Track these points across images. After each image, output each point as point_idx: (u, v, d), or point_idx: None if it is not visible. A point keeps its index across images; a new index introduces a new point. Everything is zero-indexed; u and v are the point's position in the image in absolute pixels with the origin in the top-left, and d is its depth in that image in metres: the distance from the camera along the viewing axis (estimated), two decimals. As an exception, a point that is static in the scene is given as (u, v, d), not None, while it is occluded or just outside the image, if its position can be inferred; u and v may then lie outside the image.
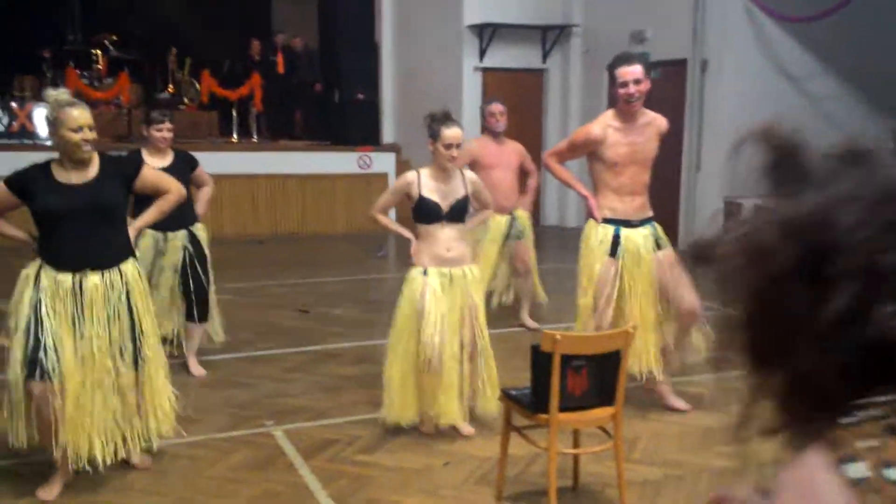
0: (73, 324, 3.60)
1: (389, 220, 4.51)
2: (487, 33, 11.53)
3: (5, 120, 9.81)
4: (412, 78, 12.38)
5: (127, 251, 3.80)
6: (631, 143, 4.53)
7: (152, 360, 3.79)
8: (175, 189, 3.95)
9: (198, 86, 12.20)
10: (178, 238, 5.23)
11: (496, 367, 4.41)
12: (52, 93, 3.74)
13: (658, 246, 4.68)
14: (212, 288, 5.41)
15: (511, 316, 6.48)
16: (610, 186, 4.59)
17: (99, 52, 12.92)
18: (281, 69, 13.19)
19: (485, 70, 11.73)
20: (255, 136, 11.95)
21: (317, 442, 4.29)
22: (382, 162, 11.61)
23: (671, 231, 10.24)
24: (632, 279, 4.56)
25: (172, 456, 4.09)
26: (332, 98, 12.18)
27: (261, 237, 10.62)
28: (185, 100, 13.26)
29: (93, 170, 3.71)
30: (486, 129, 6.35)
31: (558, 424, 3.39)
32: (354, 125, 11.49)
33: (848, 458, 0.75)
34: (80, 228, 3.63)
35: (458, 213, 4.27)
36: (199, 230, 5.34)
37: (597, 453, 3.77)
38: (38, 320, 3.55)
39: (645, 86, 4.43)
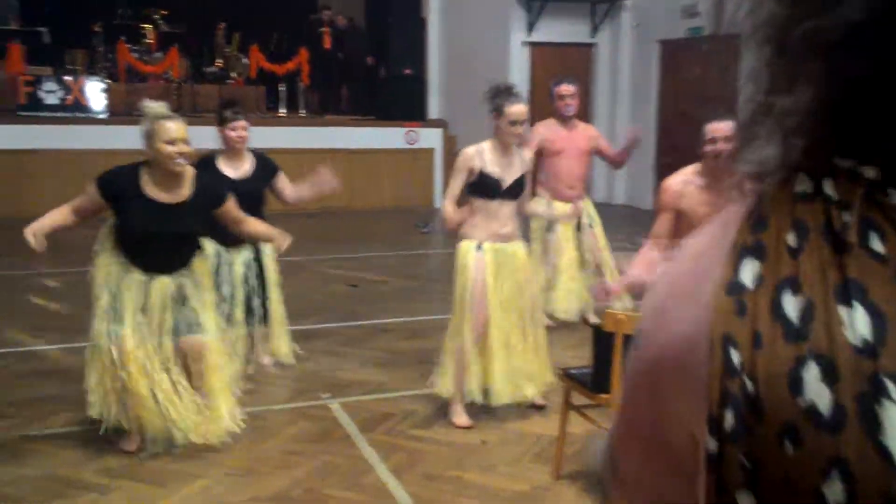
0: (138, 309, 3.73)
1: (461, 213, 4.22)
2: (536, 7, 11.43)
3: (60, 93, 9.94)
4: (459, 53, 12.31)
5: (196, 253, 3.90)
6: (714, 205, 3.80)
7: (213, 338, 3.87)
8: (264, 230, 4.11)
9: (245, 60, 12.25)
10: (242, 255, 4.77)
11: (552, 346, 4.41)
12: (150, 105, 3.74)
13: None
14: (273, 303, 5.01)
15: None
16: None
17: (150, 26, 13.03)
18: (327, 45, 13.21)
19: (533, 44, 11.63)
20: (303, 111, 11.98)
21: (373, 415, 4.33)
22: (429, 137, 11.60)
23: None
24: None
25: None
26: (378, 74, 12.17)
27: (309, 211, 10.68)
28: (233, 74, 13.35)
29: (184, 191, 3.74)
30: (555, 112, 5.78)
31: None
32: (401, 101, 11.47)
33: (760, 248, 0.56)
34: (156, 246, 3.74)
35: (516, 190, 4.21)
36: (266, 247, 4.87)
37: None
38: (116, 296, 3.69)
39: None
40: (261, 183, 4.78)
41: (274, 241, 4.29)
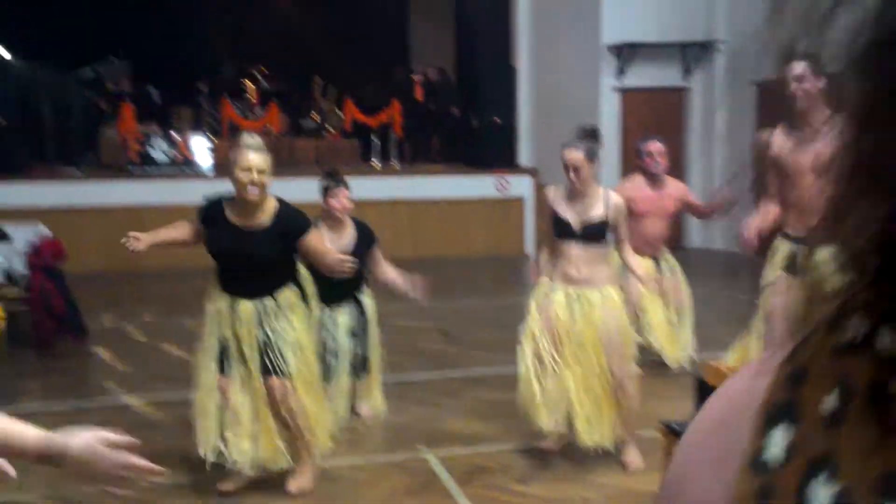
0: (230, 337, 3.91)
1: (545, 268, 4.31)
2: (626, 53, 11.42)
3: (169, 150, 10.43)
4: (549, 100, 12.37)
5: (285, 284, 4.00)
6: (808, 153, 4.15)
7: (299, 375, 3.96)
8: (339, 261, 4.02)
9: (340, 114, 12.61)
10: (345, 309, 4.96)
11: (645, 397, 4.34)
12: (244, 134, 4.00)
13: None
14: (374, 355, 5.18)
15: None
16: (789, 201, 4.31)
17: (251, 83, 13.59)
18: (419, 96, 13.48)
19: (623, 90, 11.61)
20: (396, 162, 12.22)
21: (471, 468, 4.32)
22: (519, 186, 11.66)
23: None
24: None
25: (335, 477, 4.22)
26: (469, 123, 12.34)
27: (402, 260, 10.84)
28: (329, 127, 13.76)
29: (264, 218, 3.88)
30: (642, 170, 5.65)
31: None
32: (490, 149, 11.59)
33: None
34: (236, 269, 3.91)
35: (591, 234, 4.16)
36: (367, 297, 5.10)
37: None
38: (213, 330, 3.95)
39: (814, 85, 4.02)
40: (362, 252, 4.83)
41: (403, 285, 4.36)
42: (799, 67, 4.08)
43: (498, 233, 11.11)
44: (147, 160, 10.27)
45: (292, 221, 3.94)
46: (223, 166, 11.10)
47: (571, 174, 4.13)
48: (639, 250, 5.60)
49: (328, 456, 4.25)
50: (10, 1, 11.29)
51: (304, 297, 4.10)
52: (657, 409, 4.45)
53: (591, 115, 11.59)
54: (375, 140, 12.15)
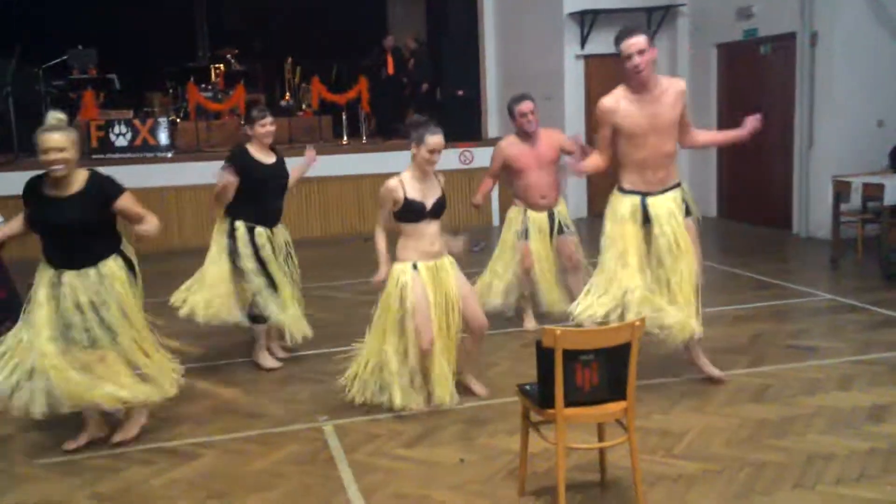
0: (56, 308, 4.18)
1: (383, 243, 4.78)
2: (588, 19, 11.35)
3: (129, 135, 10.51)
4: (515, 71, 12.35)
5: (107, 253, 4.24)
6: (649, 115, 4.55)
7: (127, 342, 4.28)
8: (153, 223, 4.31)
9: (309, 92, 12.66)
10: (281, 234, 5.63)
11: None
12: (47, 118, 4.19)
13: (687, 211, 4.77)
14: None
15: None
16: (632, 160, 4.66)
17: (221, 66, 13.64)
18: (390, 70, 13.47)
19: (587, 57, 11.55)
20: (365, 138, 12.26)
21: (361, 436, 4.42)
22: (485, 157, 11.64)
23: (785, 207, 9.83)
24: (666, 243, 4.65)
25: (224, 451, 4.33)
26: (435, 97, 12.35)
27: (365, 234, 10.92)
28: (303, 106, 13.81)
29: (75, 187, 4.14)
30: (518, 130, 6.06)
31: (565, 419, 3.36)
32: (456, 122, 11.58)
33: None
34: (55, 238, 4.19)
35: (438, 210, 4.69)
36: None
37: (611, 447, 3.70)
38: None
39: (650, 55, 4.45)
40: (286, 171, 5.63)
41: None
42: (640, 40, 4.47)
43: (462, 204, 11.12)
44: (108, 146, 10.36)
45: (104, 187, 4.21)
46: (184, 148, 11.27)
47: (435, 156, 4.63)
48: (535, 204, 6.01)
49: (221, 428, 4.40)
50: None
51: (130, 266, 4.33)
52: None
53: (556, 83, 11.59)
54: (344, 117, 12.18)
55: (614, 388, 3.42)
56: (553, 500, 3.57)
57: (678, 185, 4.77)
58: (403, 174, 4.68)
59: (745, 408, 4.57)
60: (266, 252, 5.40)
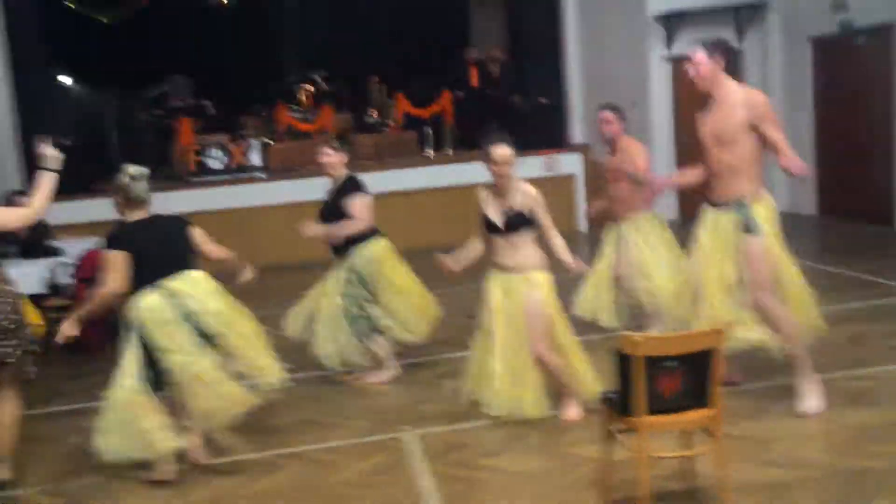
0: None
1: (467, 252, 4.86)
2: (674, 21, 11.13)
3: (224, 158, 10.87)
4: (599, 76, 12.20)
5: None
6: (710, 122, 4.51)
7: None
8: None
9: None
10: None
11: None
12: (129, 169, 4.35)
13: (748, 230, 4.44)
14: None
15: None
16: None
17: (311, 87, 13.95)
18: (475, 82, 13.49)
19: (673, 59, 11.32)
20: (450, 150, 12.32)
21: (444, 446, 4.41)
22: (570, 163, 11.57)
23: (887, 203, 9.36)
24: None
25: (309, 461, 4.39)
26: (518, 106, 12.32)
27: (457, 245, 10.96)
28: (390, 122, 13.98)
29: None
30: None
31: (646, 428, 3.28)
32: (540, 130, 11.52)
33: None
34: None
35: (513, 226, 4.58)
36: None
37: (691, 457, 3.59)
38: None
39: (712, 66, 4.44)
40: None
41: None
42: (697, 54, 4.48)
43: (550, 211, 11.02)
44: (204, 169, 10.72)
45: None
46: (277, 169, 11.56)
47: (499, 168, 4.61)
48: (618, 217, 5.92)
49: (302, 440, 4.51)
50: (75, 30, 11.98)
51: None
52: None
53: (642, 87, 11.39)
54: (428, 131, 12.27)
55: (698, 395, 3.32)
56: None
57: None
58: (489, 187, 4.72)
59: (843, 412, 4.37)
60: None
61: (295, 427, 4.90)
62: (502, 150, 4.58)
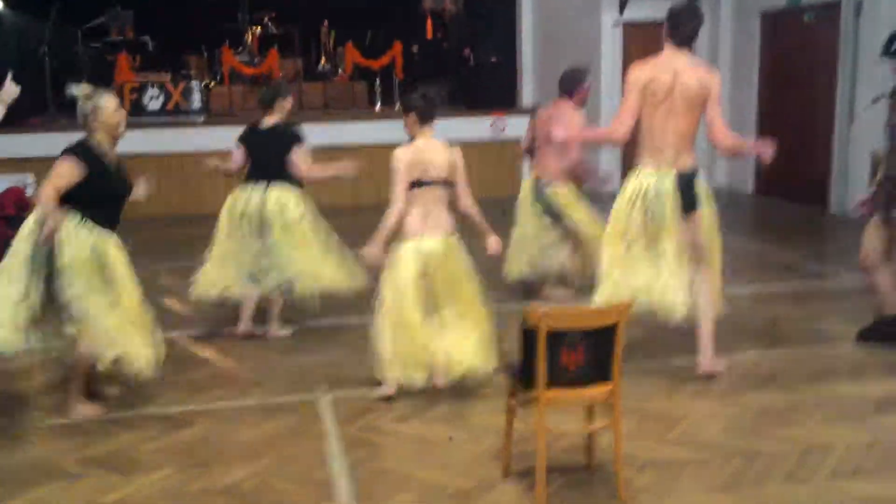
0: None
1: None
2: (628, -14, 11.06)
3: (162, 98, 10.56)
4: (552, 38, 12.09)
5: None
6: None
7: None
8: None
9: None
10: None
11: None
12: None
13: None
14: None
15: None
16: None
17: (258, 28, 13.60)
18: (429, 35, 13.31)
19: (626, 25, 11.26)
20: (398, 106, 12.15)
21: (356, 410, 4.39)
22: (518, 127, 11.47)
23: (823, 185, 9.51)
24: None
25: (218, 419, 4.34)
26: (469, 62, 12.19)
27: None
28: (340, 71, 13.73)
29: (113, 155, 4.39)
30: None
31: (546, 402, 3.29)
32: (490, 89, 11.42)
33: None
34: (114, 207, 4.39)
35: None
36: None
37: (595, 431, 3.62)
38: None
39: None
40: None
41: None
42: None
43: (495, 175, 10.98)
44: (141, 109, 10.42)
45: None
46: (218, 112, 11.29)
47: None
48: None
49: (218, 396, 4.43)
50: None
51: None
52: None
53: (593, 51, 11.32)
54: (378, 83, 12.08)
55: (601, 369, 3.33)
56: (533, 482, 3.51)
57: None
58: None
59: (748, 395, 4.44)
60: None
61: (211, 383, 4.84)
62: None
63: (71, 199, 4.15)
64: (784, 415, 4.18)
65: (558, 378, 3.29)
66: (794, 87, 10.13)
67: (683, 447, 3.86)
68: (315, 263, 5.38)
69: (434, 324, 4.45)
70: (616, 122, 4.56)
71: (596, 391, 3.35)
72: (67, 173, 4.16)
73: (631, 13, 11.14)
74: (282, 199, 5.38)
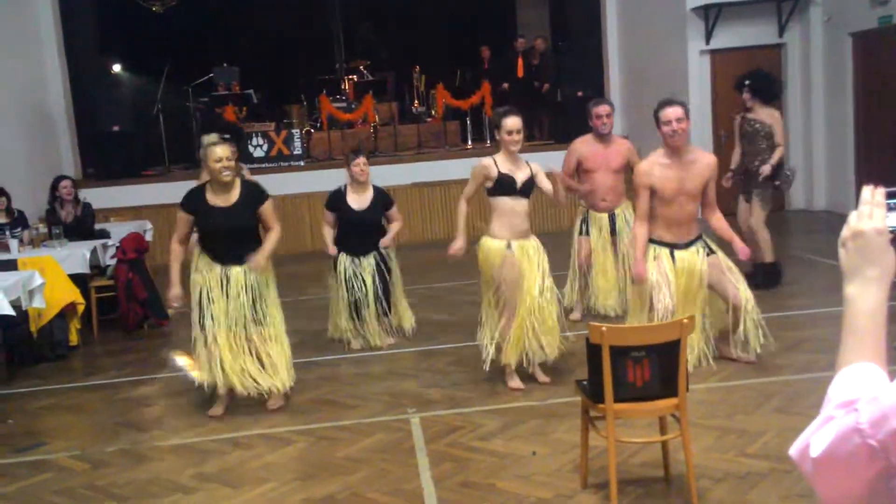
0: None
1: (463, 214, 5.26)
2: (713, 13, 11.12)
3: (265, 147, 11.22)
4: (638, 69, 12.26)
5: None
6: (679, 178, 5.00)
7: (271, 326, 4.92)
8: (277, 230, 4.93)
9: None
10: (370, 259, 6.13)
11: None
12: (206, 136, 4.88)
13: (710, 251, 5.16)
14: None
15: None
16: (661, 216, 5.08)
17: (354, 77, 14.24)
18: (520, 73, 13.62)
19: (712, 52, 11.32)
20: (489, 141, 12.50)
21: (445, 428, 4.64)
22: (606, 156, 11.62)
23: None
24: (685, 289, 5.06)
25: (318, 438, 4.67)
26: (556, 98, 12.44)
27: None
28: (433, 112, 14.20)
29: (234, 196, 4.70)
30: (593, 130, 6.35)
31: (614, 415, 3.47)
32: (576, 123, 11.61)
33: None
34: (222, 239, 4.84)
35: (527, 189, 5.05)
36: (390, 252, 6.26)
37: (652, 443, 3.76)
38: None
39: (686, 124, 4.93)
40: (377, 212, 6.14)
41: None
42: (678, 110, 4.95)
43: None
44: (247, 157, 11.08)
45: (255, 193, 4.87)
46: (319, 157, 11.86)
47: (514, 136, 5.03)
48: (596, 205, 6.37)
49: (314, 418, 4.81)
50: (127, 18, 12.44)
51: None
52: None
53: (680, 80, 11.39)
54: (468, 122, 12.46)
55: (668, 384, 3.49)
56: (609, 494, 3.67)
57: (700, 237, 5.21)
58: (496, 156, 5.09)
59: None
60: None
61: (311, 406, 5.19)
62: (513, 119, 5.01)
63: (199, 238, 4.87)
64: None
65: (626, 392, 3.47)
66: (890, 103, 9.96)
67: (763, 460, 3.95)
68: None
69: None
70: None
71: (663, 404, 3.51)
72: (178, 219, 4.78)
73: (717, 42, 11.20)
74: None
